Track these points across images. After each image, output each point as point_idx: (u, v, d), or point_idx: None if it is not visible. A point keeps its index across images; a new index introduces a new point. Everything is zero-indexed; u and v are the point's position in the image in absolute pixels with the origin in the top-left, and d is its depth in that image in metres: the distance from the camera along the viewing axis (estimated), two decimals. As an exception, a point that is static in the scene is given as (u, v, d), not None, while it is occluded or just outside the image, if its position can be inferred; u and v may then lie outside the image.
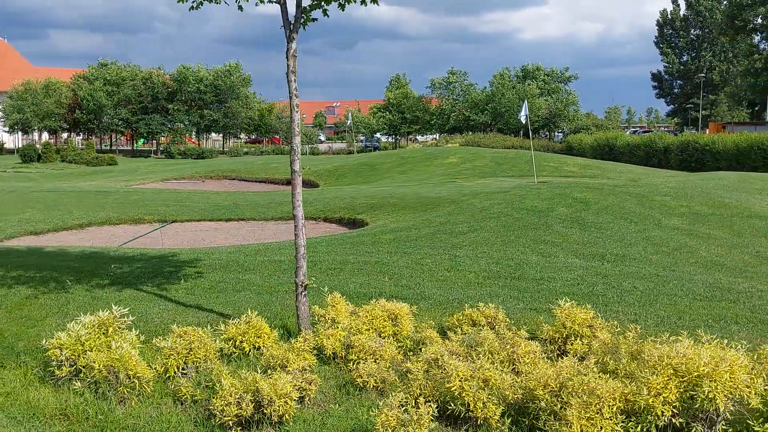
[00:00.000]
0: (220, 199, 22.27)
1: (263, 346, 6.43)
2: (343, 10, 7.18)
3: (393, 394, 4.97)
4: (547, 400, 4.88)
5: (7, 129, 71.77)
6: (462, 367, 5.12)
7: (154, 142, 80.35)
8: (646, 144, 35.87)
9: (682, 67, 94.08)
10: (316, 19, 7.03)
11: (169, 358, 5.85)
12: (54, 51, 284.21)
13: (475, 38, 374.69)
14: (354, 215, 17.95)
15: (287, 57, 6.72)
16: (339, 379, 5.88)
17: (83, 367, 5.75)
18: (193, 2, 7.11)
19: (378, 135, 78.41)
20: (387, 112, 73.11)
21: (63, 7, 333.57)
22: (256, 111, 76.00)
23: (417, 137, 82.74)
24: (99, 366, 5.46)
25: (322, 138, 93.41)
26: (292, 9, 6.71)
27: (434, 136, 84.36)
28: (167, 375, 5.79)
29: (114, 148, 75.82)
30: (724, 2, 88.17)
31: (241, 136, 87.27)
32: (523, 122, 22.06)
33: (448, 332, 6.63)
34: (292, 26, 6.69)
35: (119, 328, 6.13)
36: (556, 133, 76.26)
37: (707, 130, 62.61)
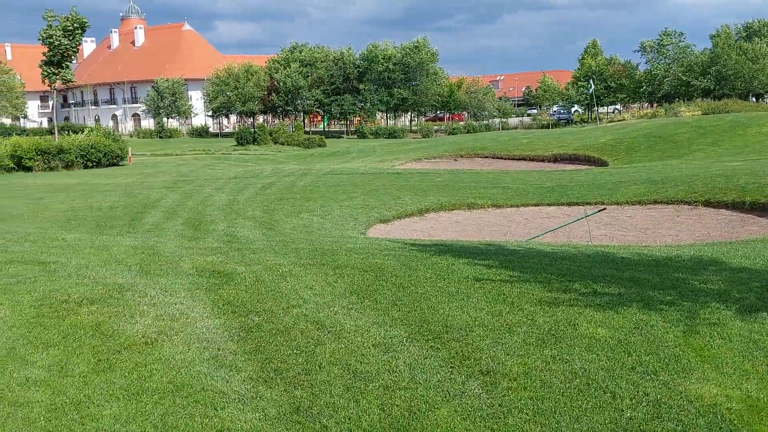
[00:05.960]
0: (533, 179, 19.45)
1: None
2: None
3: None
4: None
5: (210, 113, 74.96)
6: None
7: (336, 122, 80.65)
8: None
9: None
10: None
11: None
12: (221, 40, 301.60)
13: (624, 3, 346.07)
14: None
15: None
16: None
17: None
18: None
19: (576, 107, 72.82)
20: (588, 82, 67.15)
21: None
22: (445, 87, 73.44)
23: (598, 109, 75.34)
24: None
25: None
26: None
27: (617, 107, 76.91)
28: None
29: (308, 129, 76.72)
30: None
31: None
32: None
33: None
34: None
35: None
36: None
37: None
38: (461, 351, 5.26)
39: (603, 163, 24.75)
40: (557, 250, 9.14)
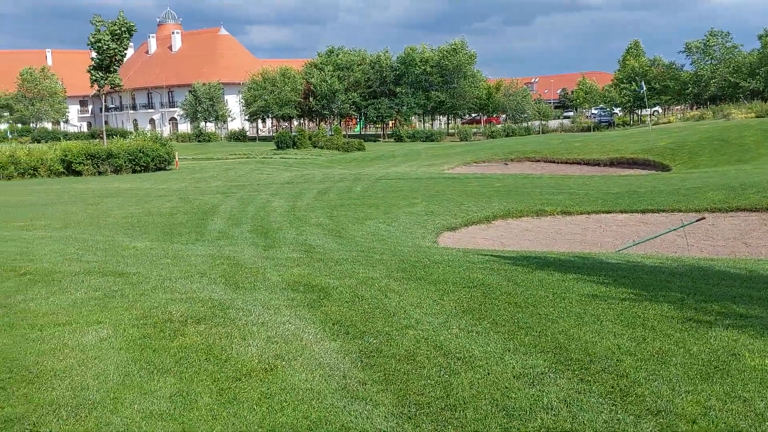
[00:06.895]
0: (597, 184, 18.70)
1: None
2: None
3: None
4: None
5: (247, 117, 75.27)
6: None
7: (371, 125, 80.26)
8: None
9: None
10: None
11: None
12: (254, 44, 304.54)
13: (658, 3, 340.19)
14: None
15: None
16: None
17: None
18: None
19: (617, 109, 71.35)
20: (632, 83, 65.74)
21: (256, 4, 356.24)
22: (483, 89, 72.59)
23: (639, 112, 73.63)
24: None
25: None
26: None
27: (656, 109, 75.08)
28: None
29: (344, 133, 76.52)
30: None
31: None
32: None
33: None
34: None
35: None
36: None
37: None
38: (617, 385, 4.68)
39: (665, 168, 23.85)
40: (666, 265, 8.49)
